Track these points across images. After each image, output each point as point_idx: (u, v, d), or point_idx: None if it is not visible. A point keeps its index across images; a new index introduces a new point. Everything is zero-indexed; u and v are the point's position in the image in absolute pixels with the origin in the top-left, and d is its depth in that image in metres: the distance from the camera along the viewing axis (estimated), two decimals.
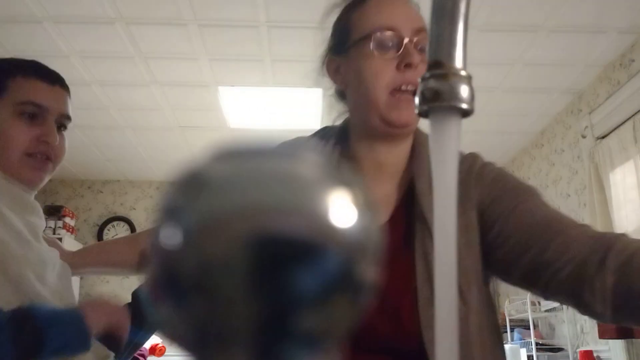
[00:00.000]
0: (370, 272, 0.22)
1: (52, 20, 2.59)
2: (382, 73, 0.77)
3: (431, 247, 0.71)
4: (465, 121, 0.35)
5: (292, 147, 0.22)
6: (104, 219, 4.61)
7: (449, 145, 0.34)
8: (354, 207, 0.22)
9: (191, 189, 0.21)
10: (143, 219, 4.63)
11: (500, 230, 0.74)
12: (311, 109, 3.45)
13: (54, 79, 0.96)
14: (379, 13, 0.80)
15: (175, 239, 0.21)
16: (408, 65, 0.75)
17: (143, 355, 2.71)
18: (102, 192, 4.71)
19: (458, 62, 0.35)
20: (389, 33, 0.78)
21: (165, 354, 2.73)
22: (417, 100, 0.35)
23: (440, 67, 0.35)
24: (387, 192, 0.81)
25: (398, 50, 0.77)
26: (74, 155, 4.19)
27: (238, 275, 0.20)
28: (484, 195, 0.77)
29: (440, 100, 0.34)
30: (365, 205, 0.22)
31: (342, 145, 0.85)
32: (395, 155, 0.82)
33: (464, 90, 0.34)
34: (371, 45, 0.78)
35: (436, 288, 0.32)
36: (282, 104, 3.38)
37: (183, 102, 3.37)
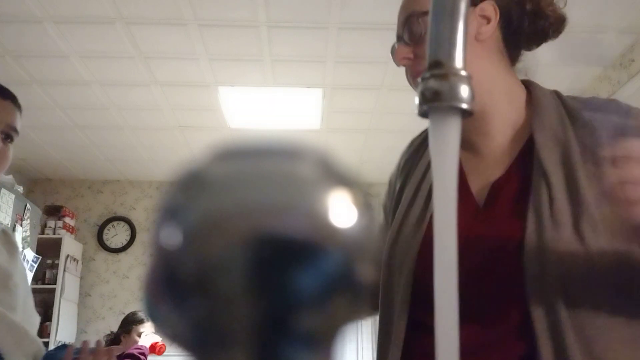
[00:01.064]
0: (370, 272, 0.22)
1: (52, 20, 2.59)
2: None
3: (546, 199, 0.70)
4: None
5: (292, 147, 0.22)
6: (104, 218, 4.61)
7: (449, 145, 0.34)
8: (354, 207, 0.22)
9: (191, 189, 0.21)
10: (143, 219, 4.63)
11: None
12: (311, 109, 3.45)
13: (6, 95, 1.02)
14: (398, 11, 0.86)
15: (175, 238, 0.21)
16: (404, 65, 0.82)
17: (144, 354, 2.71)
18: (102, 192, 4.71)
19: (458, 62, 0.35)
20: (396, 36, 0.84)
21: (165, 353, 2.72)
22: (417, 100, 0.35)
23: (440, 67, 0.35)
24: (501, 146, 0.79)
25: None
26: (74, 155, 4.19)
27: (238, 275, 0.20)
28: None
29: (440, 100, 0.34)
30: (366, 205, 0.22)
31: None
32: (496, 123, 0.80)
33: (464, 90, 0.34)
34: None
35: (436, 287, 0.32)
36: (282, 104, 3.38)
37: (183, 102, 3.37)
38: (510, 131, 0.80)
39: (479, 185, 0.79)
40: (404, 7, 0.82)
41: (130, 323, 2.80)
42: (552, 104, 0.80)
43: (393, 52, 0.82)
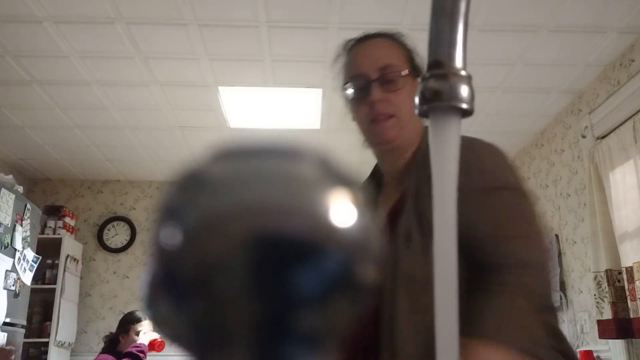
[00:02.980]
0: (370, 272, 0.22)
1: (52, 20, 2.59)
2: (360, 111, 0.99)
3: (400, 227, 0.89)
4: (465, 121, 0.35)
5: (292, 147, 0.22)
6: (104, 218, 4.61)
7: (448, 145, 0.34)
8: (354, 207, 0.22)
9: (191, 189, 0.21)
10: (143, 219, 4.63)
11: None
12: (311, 109, 3.45)
13: None
14: (352, 62, 1.00)
15: (175, 238, 0.21)
16: (370, 103, 0.95)
17: (142, 352, 2.71)
18: (102, 192, 4.71)
19: (458, 62, 0.35)
20: (359, 79, 0.97)
21: (166, 353, 2.72)
22: (417, 99, 0.35)
23: (440, 67, 0.35)
24: (391, 191, 0.99)
25: (366, 90, 0.95)
26: (74, 155, 4.19)
27: (238, 275, 0.20)
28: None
29: (440, 100, 0.34)
30: (365, 205, 0.22)
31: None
32: (402, 158, 1.00)
33: (463, 90, 0.34)
34: (349, 90, 1.00)
35: (436, 286, 0.32)
36: (282, 104, 3.38)
37: (183, 102, 3.37)
38: (406, 168, 0.99)
39: (385, 209, 0.96)
40: (379, 56, 0.96)
41: (128, 323, 2.80)
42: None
43: (362, 90, 0.95)
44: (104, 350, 2.79)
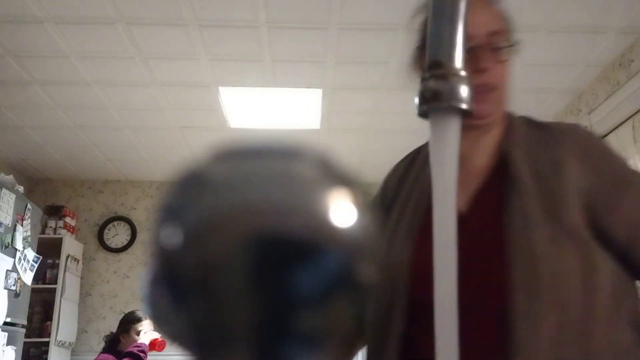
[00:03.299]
0: (370, 272, 0.22)
1: (53, 21, 2.59)
2: None
3: (519, 205, 0.79)
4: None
5: (292, 147, 0.23)
6: (105, 218, 4.61)
7: (448, 145, 0.34)
8: (354, 207, 0.22)
9: (192, 189, 0.22)
10: (143, 219, 4.63)
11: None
12: (311, 109, 3.45)
13: None
14: None
15: (175, 238, 0.21)
16: (478, 70, 0.83)
17: (143, 352, 2.71)
18: (102, 192, 4.71)
19: (458, 62, 0.35)
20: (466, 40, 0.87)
21: (166, 352, 2.72)
22: (417, 100, 0.35)
23: (439, 67, 0.35)
24: (480, 166, 0.89)
25: (471, 56, 0.83)
26: (75, 155, 4.19)
27: (238, 274, 0.20)
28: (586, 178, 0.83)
29: (439, 101, 0.34)
30: (365, 205, 0.22)
31: None
32: (488, 138, 0.89)
33: (463, 91, 0.34)
34: None
35: (436, 285, 0.32)
36: (282, 104, 3.38)
37: (183, 102, 3.37)
38: (490, 149, 0.90)
39: (464, 197, 0.86)
40: (489, 19, 0.86)
41: (128, 322, 2.80)
42: (523, 126, 0.90)
43: (476, 54, 0.84)
44: (105, 350, 2.79)
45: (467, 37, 0.83)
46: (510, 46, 0.86)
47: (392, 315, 0.79)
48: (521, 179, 0.81)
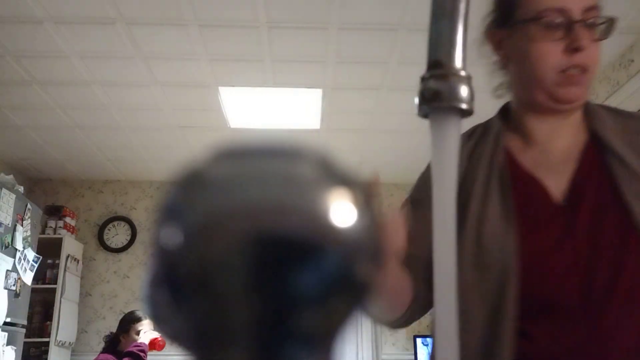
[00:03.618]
0: (370, 272, 0.22)
1: (53, 21, 2.59)
2: (549, 56, 0.77)
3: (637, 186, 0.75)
4: (466, 121, 0.35)
5: (292, 147, 0.22)
6: (105, 218, 4.61)
7: (448, 145, 0.34)
8: (354, 206, 0.22)
9: (192, 189, 0.22)
10: (143, 219, 4.63)
11: None
12: (311, 109, 3.45)
13: None
14: None
15: (175, 238, 0.21)
16: (576, 49, 0.75)
17: (143, 351, 2.71)
18: (102, 192, 4.71)
19: (458, 62, 0.35)
20: (557, 15, 0.76)
21: (166, 352, 2.72)
22: (417, 100, 0.35)
23: (440, 67, 0.35)
24: (566, 149, 0.82)
25: (566, 33, 0.76)
26: (74, 155, 4.19)
27: (238, 274, 0.20)
28: None
29: (439, 101, 0.34)
30: (365, 205, 0.22)
31: (506, 118, 0.89)
32: (568, 123, 0.83)
33: (463, 91, 0.34)
34: (539, 27, 0.77)
35: (435, 285, 0.32)
36: (282, 104, 3.38)
37: (183, 102, 3.37)
38: (572, 131, 0.83)
39: (554, 183, 0.79)
40: None
41: (128, 322, 2.81)
42: (602, 110, 0.86)
43: (560, 29, 0.76)
44: (105, 350, 2.79)
45: (561, 11, 0.75)
46: (606, 23, 0.76)
47: (503, 309, 0.72)
48: (630, 164, 0.76)
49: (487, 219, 0.77)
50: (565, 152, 0.82)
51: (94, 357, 2.82)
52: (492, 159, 0.82)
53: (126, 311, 3.09)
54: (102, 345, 2.90)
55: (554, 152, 0.82)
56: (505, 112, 0.90)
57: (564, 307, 0.72)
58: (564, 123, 0.83)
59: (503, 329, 0.72)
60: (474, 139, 0.87)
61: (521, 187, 0.80)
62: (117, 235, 4.58)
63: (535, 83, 0.79)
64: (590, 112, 0.84)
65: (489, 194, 0.79)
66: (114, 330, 2.88)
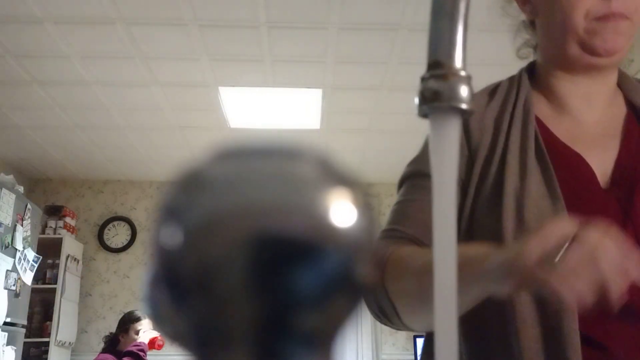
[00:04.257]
0: (370, 272, 0.22)
1: (53, 21, 2.59)
2: (583, 1, 0.69)
3: None
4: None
5: (292, 147, 0.22)
6: (105, 218, 4.61)
7: (448, 145, 0.34)
8: (354, 207, 0.22)
9: (191, 189, 0.21)
10: (143, 219, 4.63)
11: None
12: (311, 109, 3.45)
13: None
14: None
15: (175, 238, 0.21)
16: None
17: (143, 351, 2.71)
18: (102, 192, 4.71)
19: (458, 62, 0.35)
20: None
21: (166, 352, 2.72)
22: (417, 100, 0.35)
23: (440, 67, 0.35)
24: (603, 122, 0.73)
25: None
26: (75, 155, 4.19)
27: (238, 274, 0.20)
28: None
29: (439, 101, 0.34)
30: (365, 205, 0.22)
31: (534, 82, 0.79)
32: (602, 90, 0.74)
33: (463, 91, 0.34)
34: None
35: (435, 286, 0.32)
36: (282, 104, 3.38)
37: (183, 102, 3.37)
38: (608, 99, 0.75)
39: (596, 160, 0.70)
40: None
41: (127, 322, 2.81)
42: (636, 81, 0.78)
43: None
44: (104, 350, 2.79)
45: None
46: None
47: (564, 312, 0.61)
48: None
49: (528, 196, 0.66)
50: (602, 124, 0.73)
51: (94, 357, 2.82)
52: (524, 128, 0.72)
53: (126, 311, 3.09)
54: (102, 345, 2.90)
55: (589, 123, 0.73)
56: (530, 74, 0.80)
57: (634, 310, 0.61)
58: (599, 90, 0.74)
59: (566, 337, 0.60)
60: (499, 100, 0.78)
61: (562, 163, 0.69)
62: (117, 235, 4.58)
63: (566, 33, 0.70)
64: (625, 81, 0.76)
65: (527, 169, 0.68)
66: (114, 330, 2.89)
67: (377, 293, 0.65)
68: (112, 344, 2.79)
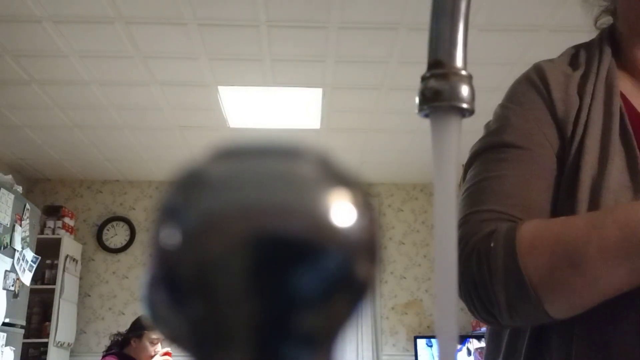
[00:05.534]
0: (370, 272, 0.22)
1: (52, 20, 2.59)
2: None
3: None
4: (466, 121, 0.35)
5: (292, 147, 0.22)
6: (104, 219, 4.61)
7: (449, 145, 0.34)
8: (354, 207, 0.22)
9: (191, 189, 0.21)
10: (142, 219, 4.63)
11: None
12: (311, 108, 3.45)
13: None
14: None
15: (174, 238, 0.21)
16: None
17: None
18: (101, 192, 4.71)
19: (459, 61, 0.34)
20: None
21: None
22: (417, 99, 0.35)
23: (440, 66, 0.35)
24: None
25: None
26: (74, 155, 4.19)
27: (237, 275, 0.20)
28: None
29: (440, 100, 0.34)
30: (365, 205, 0.22)
31: (615, 53, 0.70)
32: None
33: (464, 90, 0.34)
34: None
35: (436, 288, 0.32)
36: (281, 103, 3.38)
37: (183, 102, 3.37)
38: None
39: None
40: None
41: (142, 327, 2.70)
42: None
43: None
44: (111, 352, 2.70)
45: None
46: None
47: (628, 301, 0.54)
48: None
49: (607, 187, 0.58)
50: None
51: (99, 358, 2.75)
52: (607, 105, 0.64)
53: (125, 312, 3.07)
54: (102, 345, 2.87)
55: None
56: (611, 43, 0.71)
57: None
58: None
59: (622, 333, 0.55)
60: (580, 70, 0.69)
61: None
62: (116, 235, 4.58)
63: None
64: None
65: (608, 153, 0.60)
66: (114, 330, 2.85)
67: (510, 279, 0.54)
68: (122, 345, 2.71)
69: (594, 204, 0.58)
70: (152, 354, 2.65)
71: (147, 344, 2.65)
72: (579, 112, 0.64)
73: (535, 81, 0.68)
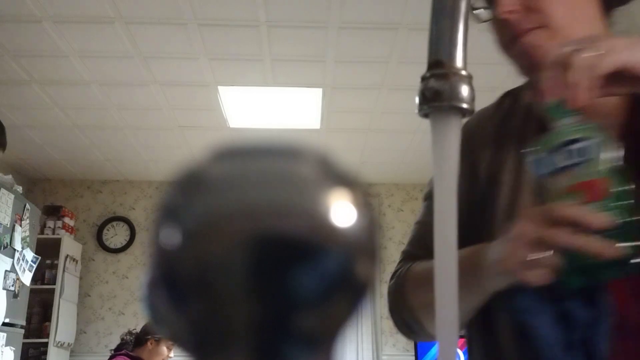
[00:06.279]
0: (370, 272, 0.22)
1: (52, 20, 2.59)
2: None
3: None
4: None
5: (292, 147, 0.22)
6: (103, 219, 4.61)
7: (449, 145, 0.34)
8: (354, 207, 0.22)
9: (190, 189, 0.21)
10: (142, 219, 4.63)
11: None
12: (311, 108, 3.45)
13: None
14: None
15: (174, 238, 0.21)
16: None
17: None
18: (101, 192, 4.70)
19: (459, 61, 0.34)
20: None
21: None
22: (417, 99, 0.35)
23: (440, 66, 0.35)
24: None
25: None
26: (73, 155, 4.19)
27: (237, 275, 0.20)
28: None
29: (440, 100, 0.34)
30: (366, 205, 0.22)
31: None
32: None
33: (464, 90, 0.34)
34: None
35: (436, 287, 0.32)
36: (282, 103, 3.38)
37: (183, 102, 3.37)
38: None
39: None
40: None
41: None
42: None
43: (492, 3, 0.67)
44: (122, 351, 2.64)
45: None
46: None
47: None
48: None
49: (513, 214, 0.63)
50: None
51: (99, 358, 2.71)
52: (518, 147, 0.68)
53: (125, 312, 3.06)
54: (102, 344, 2.85)
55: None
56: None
57: None
58: None
59: None
60: (499, 115, 0.76)
61: None
62: (116, 235, 4.58)
63: None
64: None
65: (519, 187, 0.67)
66: (114, 330, 2.84)
67: (402, 311, 0.70)
68: (137, 344, 2.62)
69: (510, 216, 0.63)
70: (165, 359, 2.60)
71: (164, 348, 2.59)
72: (495, 159, 0.71)
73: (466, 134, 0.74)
